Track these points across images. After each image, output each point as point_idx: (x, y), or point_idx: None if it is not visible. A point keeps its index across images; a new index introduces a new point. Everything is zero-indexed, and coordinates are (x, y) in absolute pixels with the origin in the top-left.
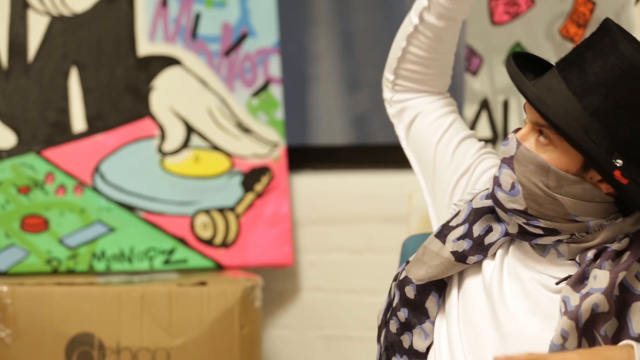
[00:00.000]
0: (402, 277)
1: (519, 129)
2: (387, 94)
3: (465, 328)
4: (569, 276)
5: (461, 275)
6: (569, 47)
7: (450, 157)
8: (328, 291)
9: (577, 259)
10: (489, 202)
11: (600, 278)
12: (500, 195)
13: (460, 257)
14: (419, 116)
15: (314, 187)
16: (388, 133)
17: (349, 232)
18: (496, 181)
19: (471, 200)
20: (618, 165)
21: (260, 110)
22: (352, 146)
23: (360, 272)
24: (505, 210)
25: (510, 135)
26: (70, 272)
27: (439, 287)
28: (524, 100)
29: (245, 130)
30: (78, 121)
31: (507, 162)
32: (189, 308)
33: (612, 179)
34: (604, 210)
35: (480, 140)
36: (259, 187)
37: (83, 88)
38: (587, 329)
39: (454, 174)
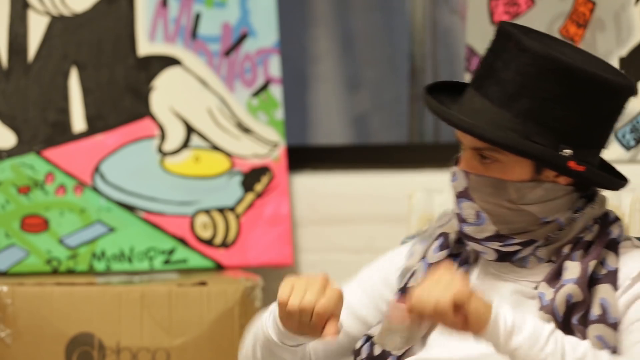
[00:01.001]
0: (377, 353)
1: (458, 157)
2: None
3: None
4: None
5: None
6: None
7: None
8: None
9: (554, 258)
10: (445, 253)
11: (571, 269)
12: (468, 229)
13: None
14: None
15: (314, 187)
16: (388, 133)
17: (349, 232)
18: (459, 218)
19: (424, 257)
20: (569, 155)
21: (260, 110)
22: (352, 146)
23: None
24: (479, 241)
25: (454, 169)
26: (70, 272)
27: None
28: None
29: (245, 130)
30: (78, 121)
31: (463, 195)
32: (189, 308)
33: (569, 170)
34: (569, 201)
35: None
36: (259, 187)
37: (83, 88)
38: (566, 321)
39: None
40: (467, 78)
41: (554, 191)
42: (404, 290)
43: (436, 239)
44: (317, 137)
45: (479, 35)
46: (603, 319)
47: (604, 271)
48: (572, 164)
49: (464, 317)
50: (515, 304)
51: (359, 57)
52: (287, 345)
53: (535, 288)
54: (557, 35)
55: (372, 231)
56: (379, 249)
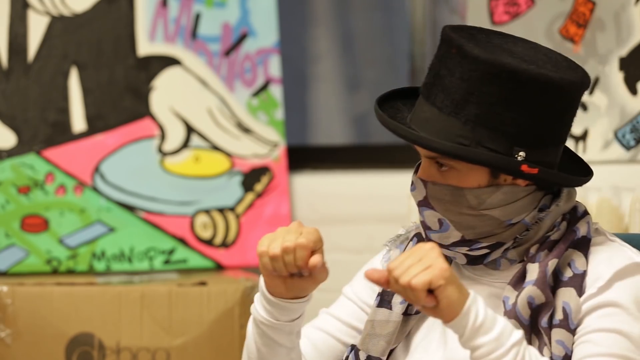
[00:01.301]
0: (362, 358)
1: (418, 165)
2: None
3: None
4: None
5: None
6: (569, 47)
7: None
8: (328, 291)
9: (525, 258)
10: None
11: (531, 270)
12: (434, 236)
13: (409, 311)
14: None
15: (314, 187)
16: (388, 133)
17: (349, 232)
18: (424, 225)
19: None
20: (521, 158)
21: (260, 110)
22: (352, 146)
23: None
24: (447, 247)
25: (413, 178)
26: (70, 272)
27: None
28: None
29: (245, 130)
30: (78, 121)
31: (424, 204)
32: (189, 308)
33: (523, 174)
34: (532, 201)
35: None
36: (259, 187)
37: (83, 88)
38: (534, 324)
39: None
40: None
41: (514, 193)
42: (382, 295)
43: (411, 239)
44: (317, 137)
45: None
46: (564, 324)
47: (570, 273)
48: (524, 168)
49: (436, 301)
50: (493, 307)
51: (359, 57)
52: (282, 321)
53: None
54: (557, 35)
55: (372, 231)
56: (379, 249)
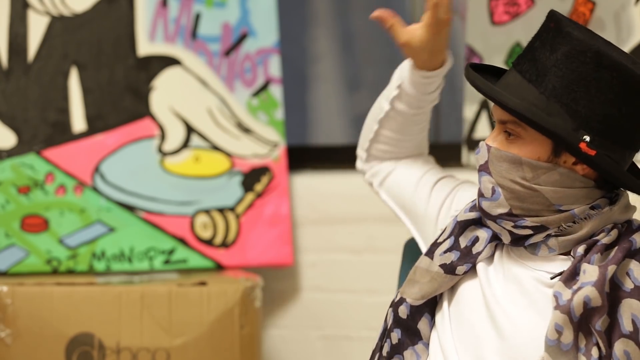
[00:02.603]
0: (397, 299)
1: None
2: (360, 165)
3: (460, 332)
4: (564, 271)
5: (453, 287)
6: None
7: (428, 195)
8: (328, 291)
9: (571, 252)
10: (473, 215)
11: (589, 272)
12: (484, 204)
13: (449, 269)
14: (394, 171)
15: (314, 187)
16: None
17: (349, 232)
18: (479, 192)
19: (456, 216)
20: (584, 139)
21: (260, 110)
22: (352, 146)
23: (360, 272)
24: (494, 218)
25: (481, 143)
26: (70, 272)
27: (432, 308)
28: None
29: (245, 130)
30: (78, 121)
31: (483, 168)
32: (189, 308)
33: (580, 153)
34: (586, 195)
35: (479, 140)
36: (259, 187)
37: (83, 88)
38: (582, 323)
39: (435, 206)
40: None
41: (570, 179)
42: (434, 245)
43: (472, 200)
44: (317, 137)
45: (479, 35)
46: (635, 337)
47: (630, 284)
48: (583, 146)
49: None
50: (534, 290)
51: (359, 57)
52: (428, 77)
53: (552, 279)
54: None
55: (372, 231)
56: (379, 249)
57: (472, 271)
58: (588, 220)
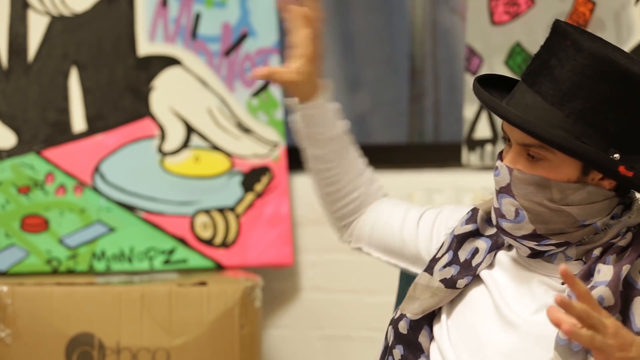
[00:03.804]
0: (397, 316)
1: (501, 152)
2: (341, 239)
3: (464, 337)
4: (576, 274)
5: (455, 298)
6: None
7: (415, 235)
8: (328, 291)
9: (583, 258)
10: (470, 227)
11: (604, 272)
12: (506, 225)
13: (449, 283)
14: (373, 227)
15: None
16: (388, 133)
17: None
18: (498, 212)
19: (452, 231)
20: (618, 159)
21: (260, 110)
22: None
23: (360, 272)
24: (515, 237)
25: (499, 164)
26: (70, 272)
27: (430, 320)
28: None
29: (245, 130)
30: (78, 121)
31: (505, 191)
32: (189, 308)
33: (618, 175)
34: (608, 206)
35: (479, 140)
36: (259, 187)
37: (83, 88)
38: None
39: (425, 242)
40: (467, 78)
41: (597, 195)
42: (433, 261)
43: (467, 213)
44: None
45: (479, 35)
46: None
47: None
48: (622, 169)
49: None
50: (544, 294)
51: (359, 57)
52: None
53: (563, 284)
54: None
55: None
56: None
57: (476, 279)
58: (608, 230)
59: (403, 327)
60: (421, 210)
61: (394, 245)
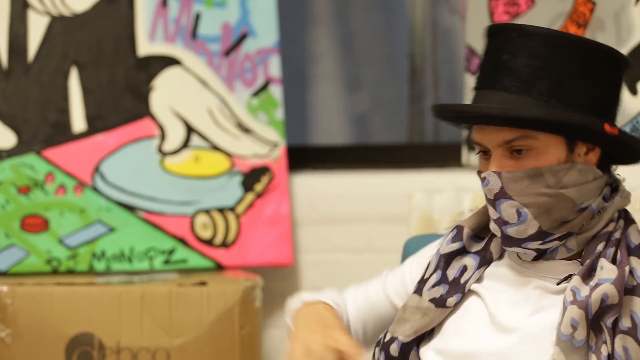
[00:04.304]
0: (386, 339)
1: (479, 168)
2: None
3: (459, 347)
4: (569, 276)
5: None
6: None
7: (386, 299)
8: None
9: (583, 251)
10: (457, 245)
11: (607, 269)
12: (511, 230)
13: (439, 302)
14: (361, 319)
15: (314, 187)
16: (388, 133)
17: (349, 232)
18: (500, 221)
19: (438, 250)
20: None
21: (260, 110)
22: (352, 146)
23: (360, 272)
24: (520, 243)
25: (484, 174)
26: (70, 272)
27: (419, 342)
28: None
29: (245, 130)
30: (78, 121)
31: (500, 196)
32: (189, 308)
33: (604, 135)
34: (598, 187)
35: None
36: (259, 187)
37: (83, 88)
38: (595, 320)
39: (400, 297)
40: (467, 78)
41: (587, 173)
42: (421, 282)
43: (451, 231)
44: (317, 137)
45: (479, 35)
46: (633, 333)
47: (633, 282)
48: (607, 127)
49: None
50: (539, 297)
51: (359, 57)
52: None
53: (558, 284)
54: None
55: (372, 231)
56: (378, 249)
57: (467, 294)
58: (602, 213)
59: (394, 349)
60: (380, 280)
61: (382, 319)
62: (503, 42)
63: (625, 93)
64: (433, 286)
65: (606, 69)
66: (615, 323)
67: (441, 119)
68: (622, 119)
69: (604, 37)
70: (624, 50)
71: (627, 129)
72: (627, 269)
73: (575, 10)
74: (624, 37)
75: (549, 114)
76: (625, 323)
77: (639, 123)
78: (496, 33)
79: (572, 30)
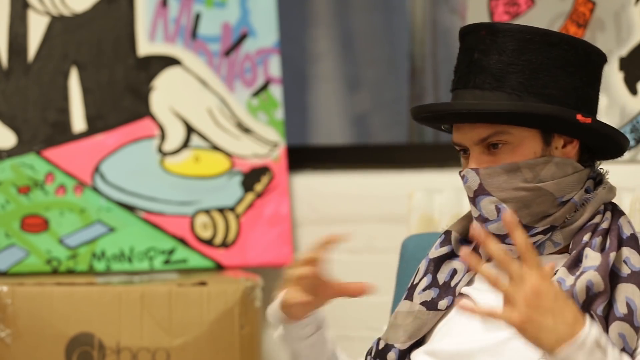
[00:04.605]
0: (381, 347)
1: (461, 169)
2: None
3: (451, 346)
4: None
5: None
6: None
7: None
8: None
9: (570, 244)
10: (446, 249)
11: (592, 257)
12: (492, 227)
13: (430, 305)
14: None
15: (314, 187)
16: (388, 133)
17: (348, 232)
18: (480, 218)
19: (427, 255)
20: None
21: (260, 110)
22: (352, 146)
23: (360, 272)
24: (503, 239)
25: (463, 172)
26: (70, 272)
27: (415, 349)
28: None
29: (245, 130)
30: (78, 121)
31: (479, 192)
32: (189, 308)
33: (578, 125)
34: (578, 179)
35: None
36: (259, 187)
37: (83, 88)
38: (584, 309)
39: None
40: None
41: (565, 166)
42: (411, 288)
43: (440, 236)
44: (317, 137)
45: None
46: (629, 319)
47: (627, 270)
48: (580, 117)
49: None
50: None
51: (359, 57)
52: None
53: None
54: None
55: (372, 231)
56: (379, 249)
57: (458, 297)
58: (586, 205)
59: (392, 357)
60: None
61: None
62: (474, 41)
63: (625, 93)
64: (424, 290)
65: (579, 61)
66: (608, 311)
67: (419, 121)
68: (622, 119)
69: (604, 37)
70: (624, 50)
71: (627, 129)
72: (612, 255)
73: (575, 10)
74: (624, 37)
75: (517, 105)
76: (621, 309)
77: (639, 123)
78: (467, 33)
79: (572, 30)
